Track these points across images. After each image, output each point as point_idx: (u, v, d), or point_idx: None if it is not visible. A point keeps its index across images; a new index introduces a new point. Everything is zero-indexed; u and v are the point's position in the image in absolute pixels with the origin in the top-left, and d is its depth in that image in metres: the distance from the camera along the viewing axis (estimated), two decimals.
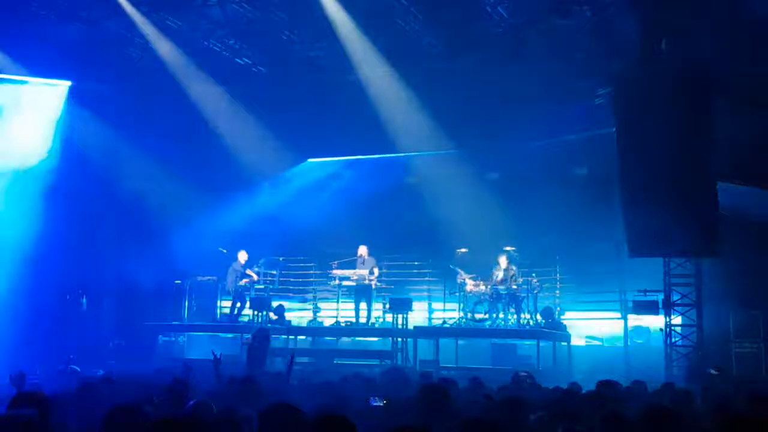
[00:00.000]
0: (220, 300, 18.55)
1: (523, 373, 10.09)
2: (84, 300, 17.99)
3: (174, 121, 18.53)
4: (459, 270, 16.65)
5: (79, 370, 12.15)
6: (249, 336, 14.07)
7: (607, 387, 7.88)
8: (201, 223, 18.91)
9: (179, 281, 18.26)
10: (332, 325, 17.84)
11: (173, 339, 17.84)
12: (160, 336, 17.77)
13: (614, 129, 15.43)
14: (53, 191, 16.87)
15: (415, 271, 19.02)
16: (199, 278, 18.21)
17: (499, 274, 16.40)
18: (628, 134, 14.85)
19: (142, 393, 7.53)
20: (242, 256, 18.07)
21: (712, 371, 11.65)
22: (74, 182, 17.27)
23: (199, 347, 17.25)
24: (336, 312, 18.08)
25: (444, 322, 16.92)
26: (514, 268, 16.39)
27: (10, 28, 15.77)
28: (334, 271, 17.50)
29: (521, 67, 16.50)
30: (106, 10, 16.01)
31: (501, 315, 16.11)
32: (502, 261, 16.45)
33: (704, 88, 13.98)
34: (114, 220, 18.35)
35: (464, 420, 4.85)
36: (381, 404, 6.64)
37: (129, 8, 15.92)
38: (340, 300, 18.02)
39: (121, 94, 18.14)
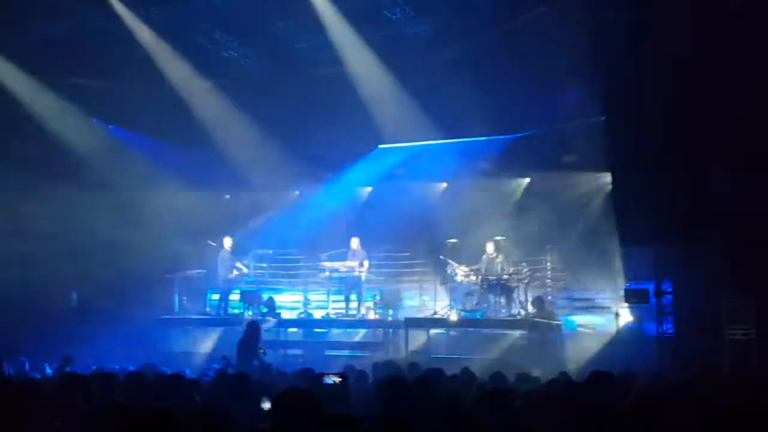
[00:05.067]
0: (210, 293, 18.48)
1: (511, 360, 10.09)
2: (74, 295, 17.90)
3: (164, 116, 18.44)
4: (450, 261, 16.62)
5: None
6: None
7: (598, 378, 7.84)
8: (190, 217, 18.83)
9: (168, 275, 18.19)
10: (323, 317, 17.81)
11: (164, 333, 17.77)
12: (151, 330, 17.69)
13: (604, 117, 15.39)
14: None
15: (405, 262, 18.99)
16: (188, 272, 18.14)
17: (483, 267, 16.39)
18: (618, 122, 14.79)
19: (132, 387, 7.51)
20: (227, 243, 18.01)
21: None
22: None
23: (189, 341, 17.27)
24: (326, 304, 18.05)
25: (435, 313, 16.90)
26: (501, 256, 16.36)
27: None
28: (324, 263, 17.47)
29: (509, 57, 16.45)
30: (89, 4, 15.88)
31: (492, 305, 16.10)
32: (489, 248, 16.43)
33: (694, 76, 13.91)
34: (105, 214, 18.27)
35: (451, 411, 4.82)
36: (336, 381, 6.65)
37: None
38: (330, 292, 17.99)
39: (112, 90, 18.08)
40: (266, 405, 6.31)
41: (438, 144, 19.02)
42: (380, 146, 19.95)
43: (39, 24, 16.14)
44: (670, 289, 15.03)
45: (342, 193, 20.11)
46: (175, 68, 17.71)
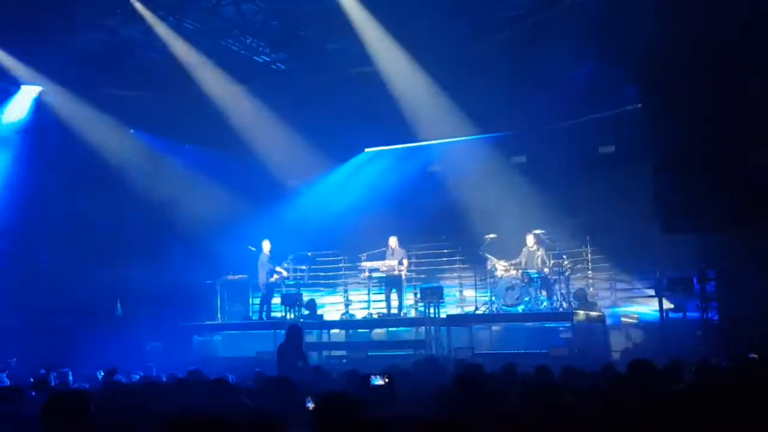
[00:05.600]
0: (252, 298, 18.62)
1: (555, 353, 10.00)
2: (119, 305, 18.10)
3: (200, 123, 18.62)
4: (489, 256, 16.56)
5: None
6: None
7: (644, 368, 7.73)
8: (229, 222, 18.99)
9: (210, 281, 18.35)
10: (364, 317, 17.84)
11: (208, 339, 17.94)
12: (195, 336, 17.89)
13: (640, 105, 15.21)
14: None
15: (444, 259, 18.95)
16: (230, 277, 18.27)
17: (523, 260, 16.33)
18: (654, 109, 14.62)
19: (180, 394, 7.57)
20: (266, 246, 18.12)
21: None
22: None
23: (233, 346, 17.38)
24: (367, 304, 18.08)
25: (476, 309, 16.86)
26: (542, 249, 16.27)
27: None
28: (363, 264, 17.50)
29: (542, 48, 16.33)
30: (122, 17, 16.05)
31: (533, 299, 16.01)
32: (529, 241, 16.34)
33: (733, 57, 13.67)
34: (144, 225, 18.50)
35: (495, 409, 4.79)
36: (383, 382, 6.65)
37: (145, 12, 15.97)
38: (371, 292, 18.02)
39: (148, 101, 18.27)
40: (311, 405, 6.34)
41: (473, 139, 18.98)
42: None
43: (74, 37, 16.33)
44: (713, 276, 14.84)
45: (378, 192, 20.12)
46: (209, 75, 17.86)
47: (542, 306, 15.87)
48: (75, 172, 17.62)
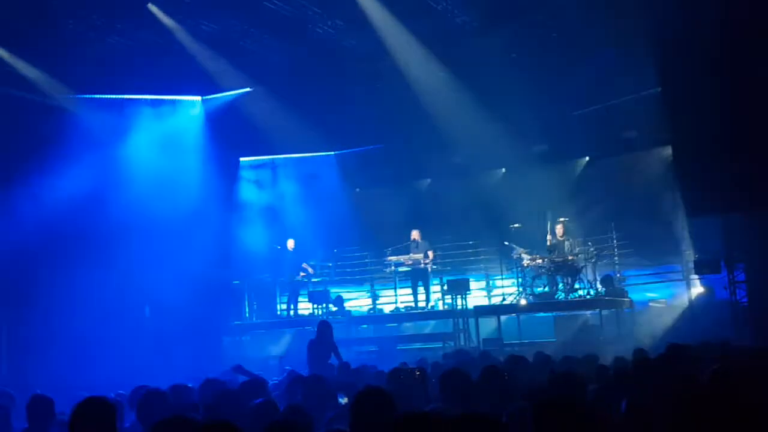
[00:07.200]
0: (279, 296, 18.71)
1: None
2: (147, 309, 18.16)
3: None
4: (514, 246, 16.54)
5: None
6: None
7: (674, 351, 7.73)
8: (253, 222, 19.10)
9: (237, 281, 18.45)
10: (392, 311, 17.90)
11: (237, 339, 18.04)
12: (224, 337, 17.99)
13: (660, 89, 15.12)
14: None
15: (470, 250, 18.93)
16: (256, 277, 18.38)
17: (553, 250, 16.29)
18: (675, 92, 14.50)
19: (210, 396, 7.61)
20: (290, 244, 18.26)
21: None
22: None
23: (262, 345, 17.49)
24: (395, 298, 18.13)
25: (504, 299, 16.85)
26: (570, 239, 16.23)
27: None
28: (389, 258, 17.54)
29: (559, 35, 16.28)
30: (140, 22, 16.09)
31: (560, 287, 15.98)
32: (558, 230, 16.28)
33: (751, 36, 13.53)
34: (166, 227, 18.52)
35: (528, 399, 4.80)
36: (415, 376, 6.71)
37: (163, 17, 16.02)
38: (398, 286, 18.06)
39: None
40: (343, 400, 6.38)
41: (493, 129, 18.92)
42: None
43: (92, 43, 16.37)
44: (740, 258, 14.73)
45: (402, 187, 20.19)
46: (229, 76, 17.92)
47: (570, 294, 15.84)
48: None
